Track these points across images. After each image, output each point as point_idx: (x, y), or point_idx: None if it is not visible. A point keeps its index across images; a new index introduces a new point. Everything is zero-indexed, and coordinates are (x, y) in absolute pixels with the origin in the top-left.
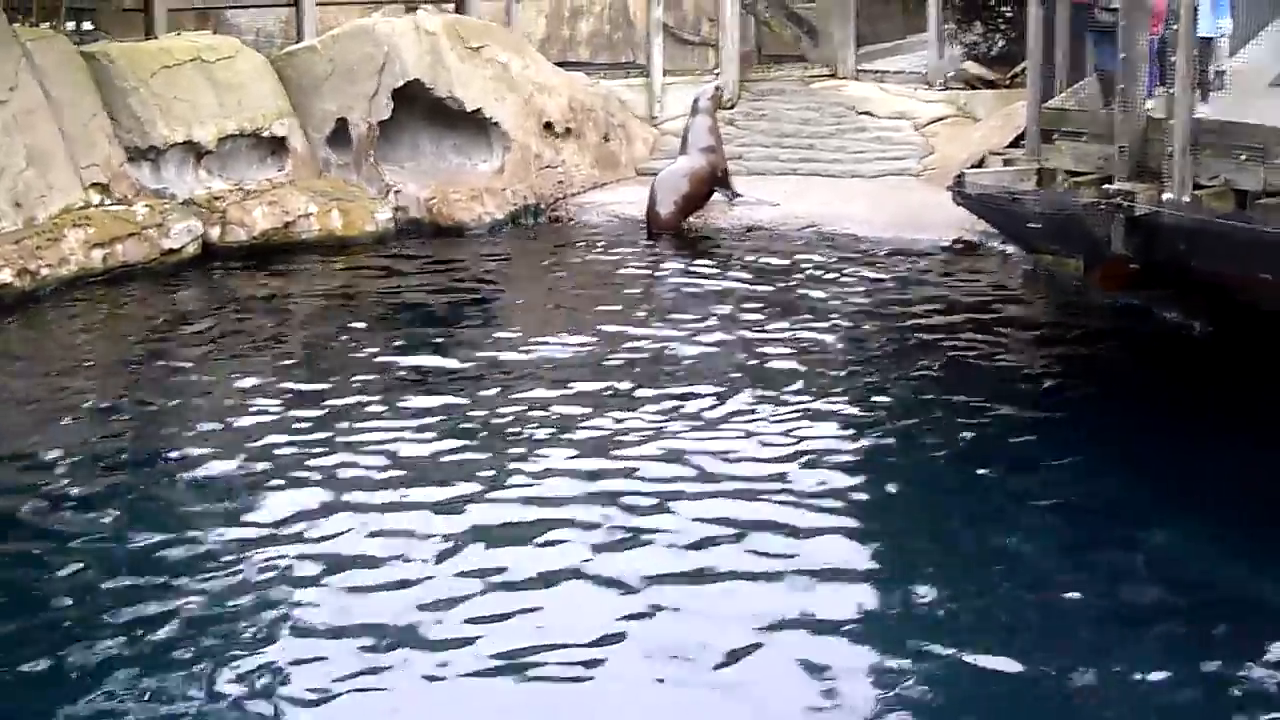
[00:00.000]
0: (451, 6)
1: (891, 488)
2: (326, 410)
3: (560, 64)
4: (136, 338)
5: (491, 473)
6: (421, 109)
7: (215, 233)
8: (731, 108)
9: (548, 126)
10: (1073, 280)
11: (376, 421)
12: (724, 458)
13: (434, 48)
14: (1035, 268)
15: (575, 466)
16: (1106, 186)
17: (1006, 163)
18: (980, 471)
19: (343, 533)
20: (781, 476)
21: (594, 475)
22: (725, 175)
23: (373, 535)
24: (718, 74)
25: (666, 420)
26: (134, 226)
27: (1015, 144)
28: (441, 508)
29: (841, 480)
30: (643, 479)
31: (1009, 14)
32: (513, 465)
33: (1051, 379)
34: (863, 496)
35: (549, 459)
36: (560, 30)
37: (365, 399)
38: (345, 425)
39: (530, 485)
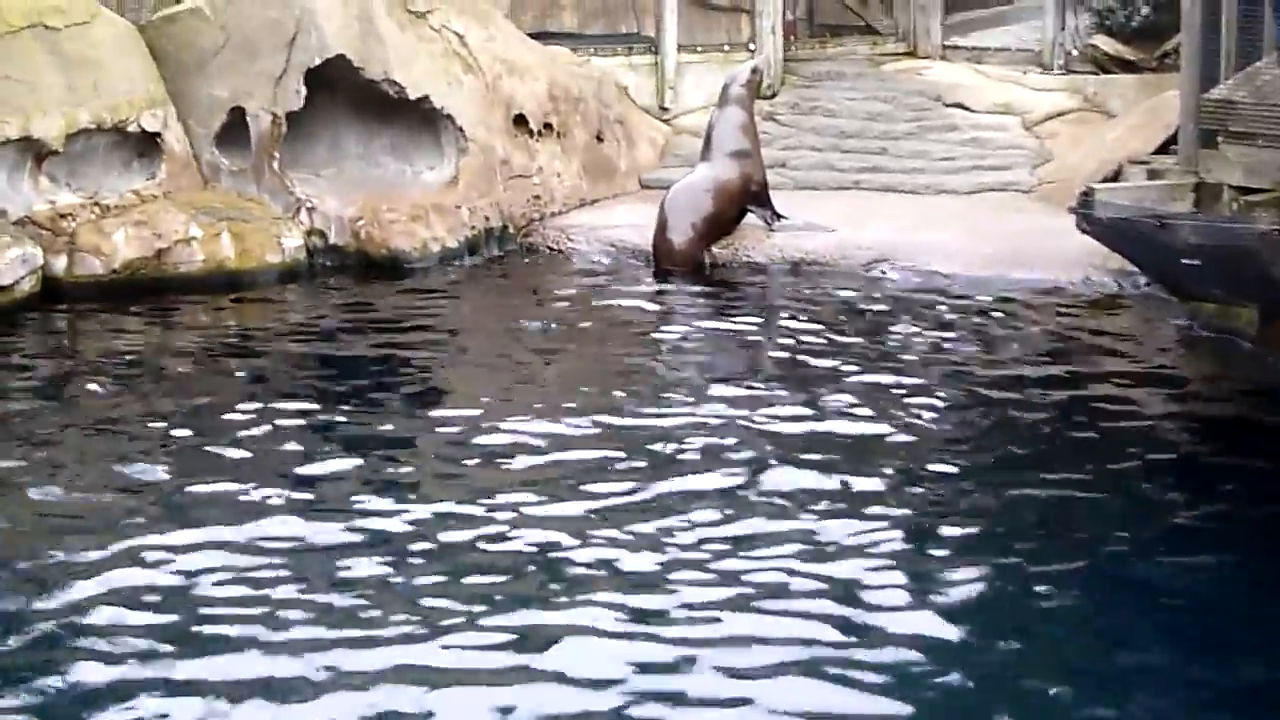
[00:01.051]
0: None
1: (983, 634)
2: (203, 514)
3: (538, 36)
4: None
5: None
6: (346, 96)
7: (61, 264)
8: (773, 97)
9: (519, 121)
10: (1245, 339)
11: (258, 534)
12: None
13: (364, 12)
14: (1192, 322)
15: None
16: None
17: (1152, 175)
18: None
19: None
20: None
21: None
22: (763, 190)
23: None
24: (754, 50)
25: (667, 544)
26: None
27: (1164, 149)
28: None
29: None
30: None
31: None
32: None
33: (1207, 487)
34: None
35: (501, 596)
36: None
37: (250, 500)
38: (223, 531)
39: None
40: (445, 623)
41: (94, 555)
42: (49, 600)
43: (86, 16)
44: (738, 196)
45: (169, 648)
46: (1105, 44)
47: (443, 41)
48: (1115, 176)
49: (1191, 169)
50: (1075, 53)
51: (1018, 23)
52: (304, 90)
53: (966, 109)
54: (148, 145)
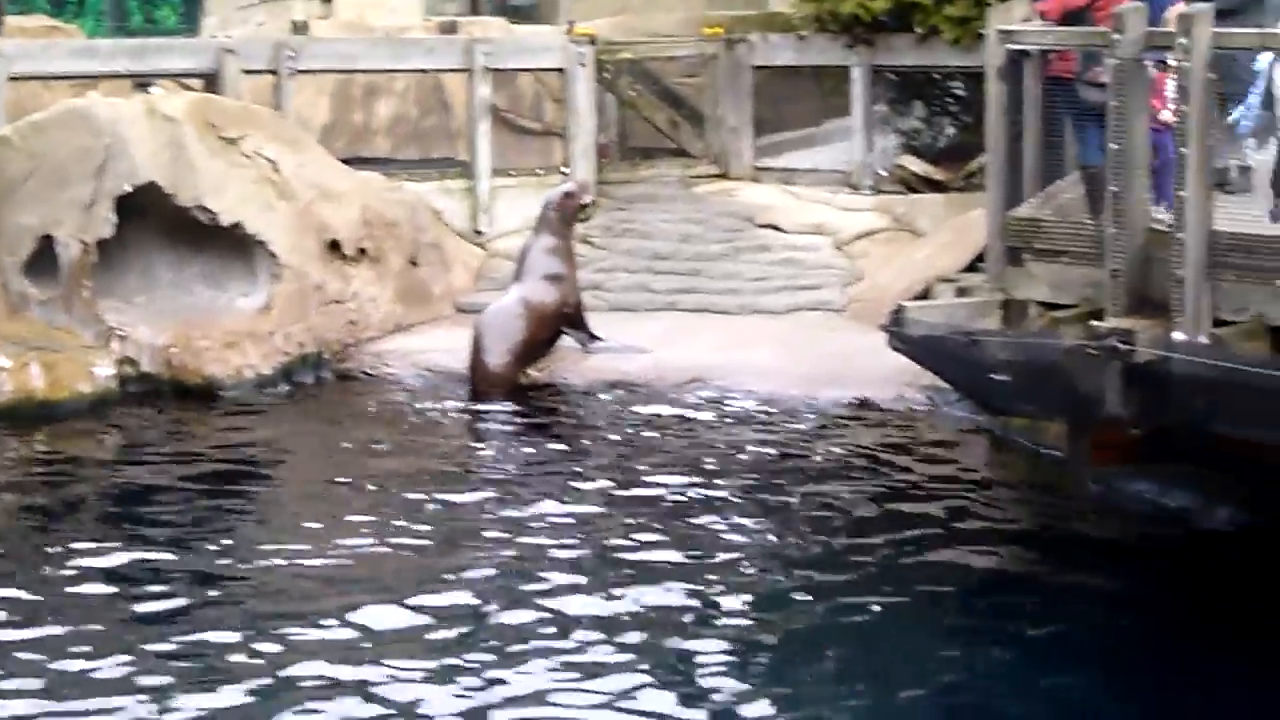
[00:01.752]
0: (199, 83)
1: None
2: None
3: (351, 161)
4: None
5: None
6: (157, 223)
7: None
8: (586, 220)
9: (333, 246)
10: (1053, 453)
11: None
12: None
13: (175, 139)
14: (1003, 436)
15: None
16: (1096, 324)
17: (960, 292)
18: None
19: None
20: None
21: None
22: (578, 311)
23: None
24: (567, 172)
25: (480, 655)
26: None
27: (973, 267)
28: None
29: None
30: None
31: (960, 92)
32: None
33: (1019, 598)
34: None
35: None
36: (350, 115)
37: (62, 630)
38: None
39: None
40: None
41: None
42: None
43: None
44: (551, 319)
45: None
46: (913, 164)
47: (255, 168)
48: (925, 294)
49: (999, 286)
50: (884, 173)
51: (827, 144)
52: (114, 218)
53: (779, 229)
54: None
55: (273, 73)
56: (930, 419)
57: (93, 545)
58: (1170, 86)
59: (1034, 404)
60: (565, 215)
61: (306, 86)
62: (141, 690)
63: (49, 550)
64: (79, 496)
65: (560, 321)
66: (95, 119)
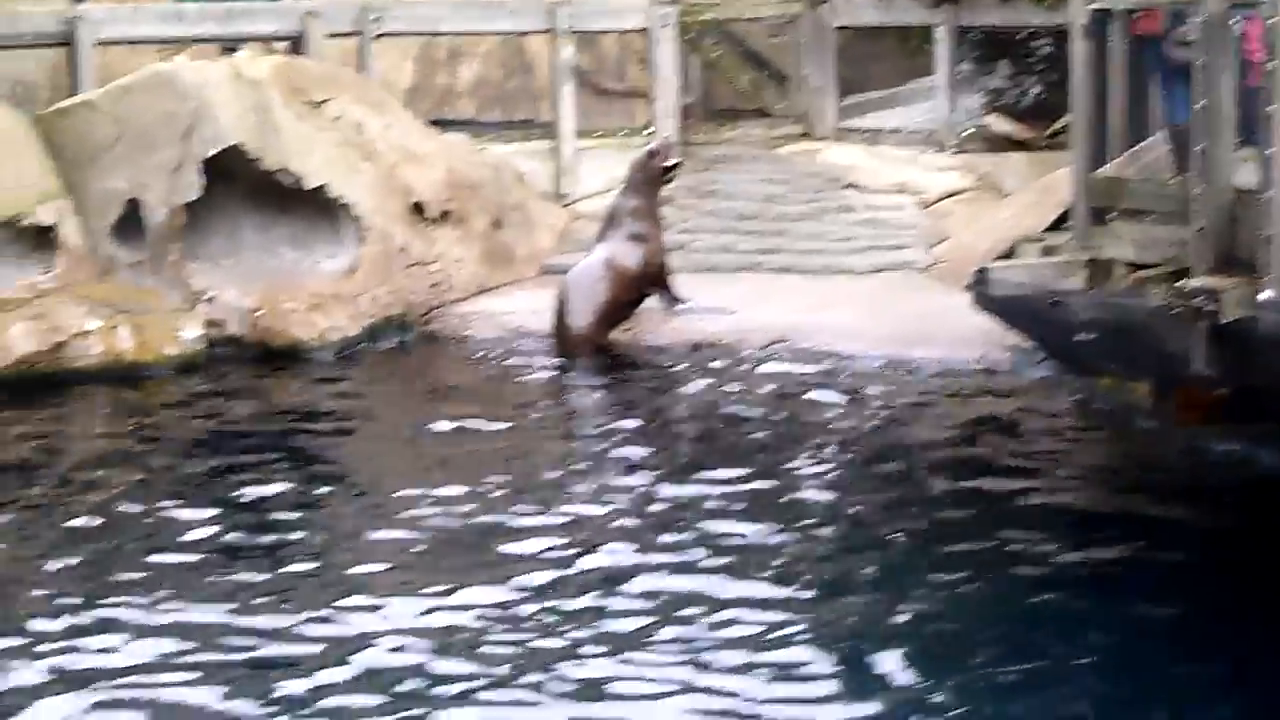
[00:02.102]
0: (284, 46)
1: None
2: (105, 605)
3: (435, 123)
4: None
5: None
6: (243, 186)
7: None
8: (670, 181)
9: (417, 209)
10: (1141, 413)
11: (161, 616)
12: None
13: (260, 103)
14: (1087, 396)
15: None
16: (1182, 284)
17: (1046, 252)
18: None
19: None
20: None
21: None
22: (662, 273)
23: None
24: (651, 133)
25: (578, 634)
26: None
27: (1057, 226)
28: None
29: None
30: None
31: (1045, 50)
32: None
33: (1107, 559)
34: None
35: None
36: (434, 78)
37: (152, 597)
38: (127, 626)
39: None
40: None
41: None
42: None
43: None
44: (635, 280)
45: None
46: (997, 123)
47: (340, 131)
48: (1009, 254)
49: (1084, 245)
50: (968, 132)
51: (911, 104)
52: (202, 181)
53: (862, 189)
54: (43, 239)
55: (357, 35)
56: (1015, 379)
57: (181, 505)
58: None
59: (1119, 364)
60: (650, 176)
61: (391, 49)
62: (228, 650)
63: (137, 511)
64: (167, 458)
65: (645, 283)
66: (181, 83)
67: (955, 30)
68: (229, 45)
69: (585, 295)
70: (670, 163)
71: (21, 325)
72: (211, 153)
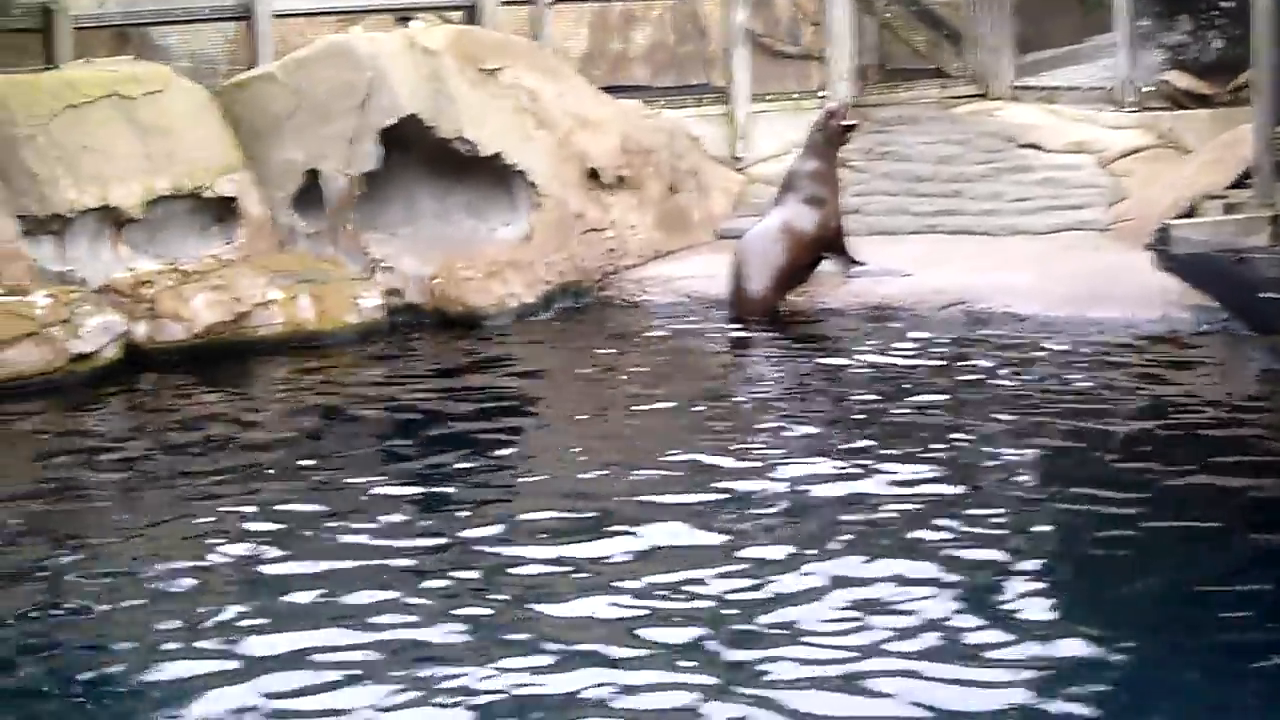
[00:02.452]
0: (459, 16)
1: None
2: (303, 571)
3: (609, 89)
4: (34, 477)
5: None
6: (420, 155)
7: (142, 330)
8: (846, 142)
9: (593, 175)
10: None
11: (362, 593)
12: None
13: (436, 72)
14: (1273, 356)
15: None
16: None
17: (1229, 209)
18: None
19: None
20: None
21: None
22: (839, 236)
23: None
24: (825, 96)
25: (748, 612)
26: (31, 325)
27: (1240, 183)
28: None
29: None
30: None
31: (1227, 4)
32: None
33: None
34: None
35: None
36: (608, 44)
37: (343, 563)
38: (319, 591)
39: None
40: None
41: (181, 624)
42: (142, 674)
43: (161, 85)
44: (812, 243)
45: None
46: (1178, 79)
47: (514, 98)
48: (1191, 212)
49: (1268, 202)
50: (1149, 89)
51: (1089, 61)
52: (379, 151)
53: (1040, 149)
54: (225, 210)
55: (530, 3)
56: (1198, 339)
57: (364, 472)
58: None
59: None
60: (828, 136)
61: (564, 15)
62: (412, 611)
63: (322, 478)
64: (350, 425)
65: (821, 246)
66: (357, 54)
67: None
68: (404, 15)
69: (761, 259)
70: (848, 123)
71: (205, 296)
72: (388, 123)
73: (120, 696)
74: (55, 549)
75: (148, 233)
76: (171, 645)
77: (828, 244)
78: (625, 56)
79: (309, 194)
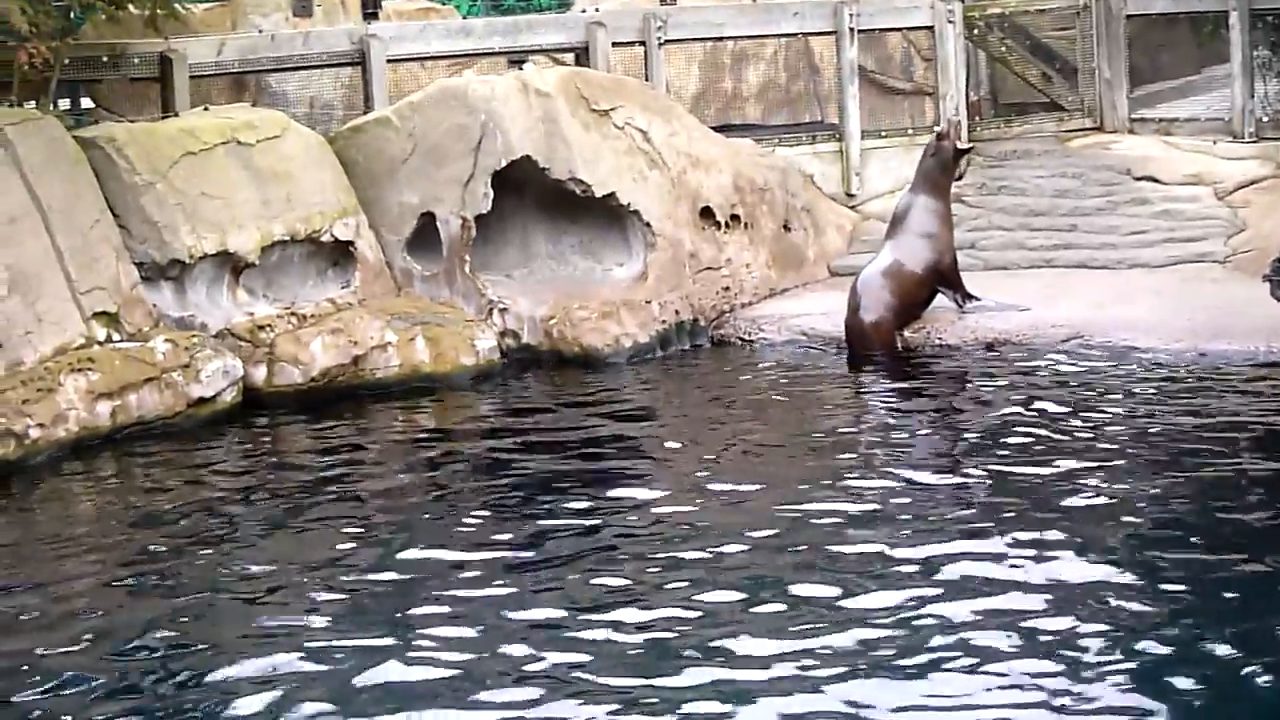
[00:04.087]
0: (571, 58)
1: None
2: (414, 608)
3: (721, 128)
4: (159, 518)
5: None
6: (533, 197)
7: (260, 374)
8: (960, 178)
9: (706, 214)
10: None
11: (475, 625)
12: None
13: (548, 113)
14: None
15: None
16: None
17: None
18: None
19: None
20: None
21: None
22: (953, 271)
23: None
24: (938, 130)
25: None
26: (152, 369)
27: None
28: None
29: None
30: None
31: None
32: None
33: None
34: None
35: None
36: (720, 82)
37: (461, 592)
38: (435, 627)
39: None
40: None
41: (292, 658)
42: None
43: (278, 131)
44: (927, 278)
45: None
46: None
47: (627, 139)
48: None
49: None
50: (1266, 119)
51: (1206, 92)
52: (491, 193)
53: (1156, 181)
54: (341, 254)
55: (642, 44)
56: None
57: (478, 511)
58: None
59: None
60: (941, 161)
61: (676, 55)
62: (521, 655)
63: (441, 517)
64: (465, 465)
65: (936, 280)
66: (470, 97)
67: (1249, 15)
68: (517, 58)
69: (877, 294)
70: (963, 146)
71: (322, 339)
72: (502, 164)
73: None
74: (175, 588)
75: (265, 277)
76: (288, 686)
77: (942, 279)
78: (738, 95)
79: (424, 237)
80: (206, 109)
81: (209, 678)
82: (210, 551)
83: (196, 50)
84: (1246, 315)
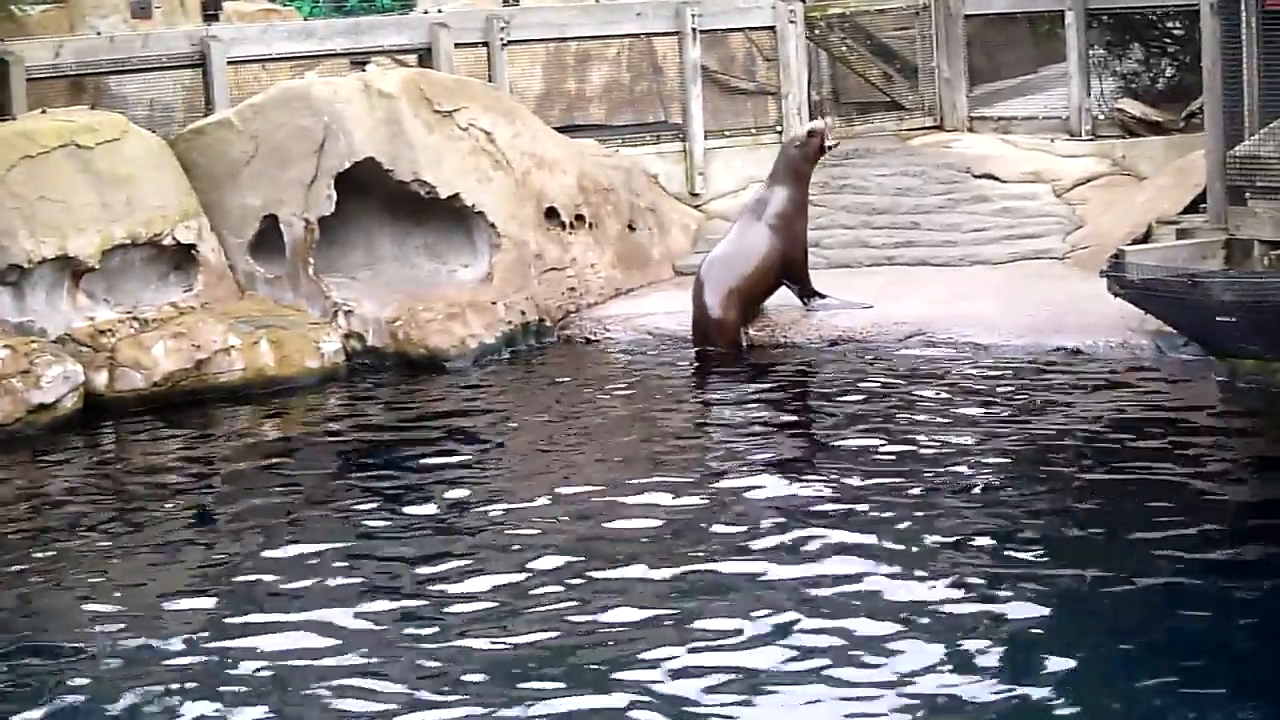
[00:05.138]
0: (414, 59)
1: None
2: (262, 617)
3: (565, 129)
4: None
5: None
6: (378, 199)
7: (102, 379)
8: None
9: (550, 214)
10: None
11: (321, 629)
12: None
13: (391, 115)
14: (1233, 379)
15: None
16: None
17: (1182, 234)
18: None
19: None
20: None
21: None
22: (803, 266)
23: None
24: (780, 130)
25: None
26: None
27: (1194, 208)
28: None
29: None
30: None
31: (1178, 31)
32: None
33: (1260, 548)
34: None
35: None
36: (564, 83)
37: (304, 600)
38: (284, 631)
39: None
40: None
41: (142, 673)
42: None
43: (117, 133)
44: (776, 267)
45: None
46: (1132, 107)
47: (471, 140)
48: (1146, 237)
49: (1221, 226)
50: (1102, 117)
51: (1043, 91)
52: (335, 195)
53: (996, 179)
54: (183, 257)
55: (485, 45)
56: (1157, 364)
57: (331, 513)
58: None
59: (1262, 344)
60: (806, 154)
61: (519, 56)
62: (381, 648)
63: (286, 521)
64: (311, 468)
65: (783, 272)
66: (313, 99)
67: (1085, 14)
68: (359, 60)
69: (724, 277)
70: (830, 142)
71: (165, 344)
72: (345, 166)
73: None
74: (17, 599)
75: (106, 282)
76: (131, 699)
77: (790, 272)
78: (581, 96)
79: (267, 239)
80: (44, 112)
81: (53, 692)
82: (55, 560)
83: (33, 52)
84: (1085, 310)
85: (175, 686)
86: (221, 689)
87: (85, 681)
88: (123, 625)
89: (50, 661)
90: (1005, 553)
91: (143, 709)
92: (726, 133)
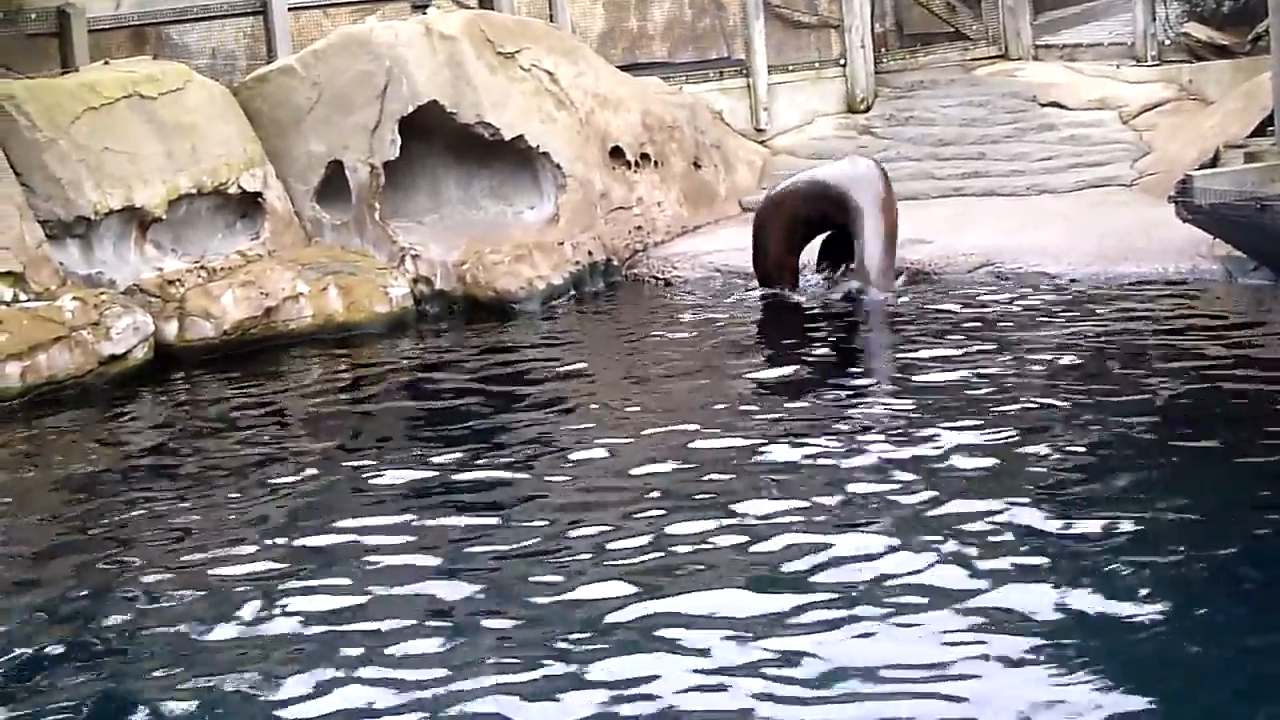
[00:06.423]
0: (473, 1)
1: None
2: (339, 561)
3: (628, 67)
4: (72, 482)
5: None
6: (442, 142)
7: (172, 329)
8: (867, 110)
9: (616, 154)
10: None
11: (406, 574)
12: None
13: (453, 57)
14: None
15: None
16: None
17: (1250, 158)
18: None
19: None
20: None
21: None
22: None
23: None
24: (843, 64)
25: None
26: (61, 328)
27: (1261, 131)
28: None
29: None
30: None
31: None
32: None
33: None
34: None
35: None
36: (626, 21)
37: (384, 540)
38: (358, 576)
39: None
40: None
41: (227, 610)
42: (186, 664)
43: (180, 83)
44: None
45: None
46: (1198, 31)
47: (533, 80)
48: (1214, 162)
49: None
50: (1168, 42)
51: (1108, 17)
52: (399, 139)
53: (1062, 107)
54: (249, 206)
55: None
56: (1227, 289)
57: (403, 459)
58: None
59: None
60: None
61: None
62: (444, 598)
63: (359, 466)
64: (385, 414)
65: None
66: (374, 43)
67: None
68: (420, 2)
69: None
70: None
71: (233, 293)
72: (409, 110)
73: (159, 689)
74: (97, 548)
75: (173, 231)
76: (211, 638)
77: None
78: (644, 33)
79: (333, 185)
80: (107, 63)
81: (139, 634)
82: (135, 511)
83: (95, 4)
84: (1154, 237)
85: (253, 634)
86: (295, 631)
87: (163, 630)
88: (196, 572)
89: (127, 607)
90: (1104, 484)
91: (217, 655)
92: (790, 67)
